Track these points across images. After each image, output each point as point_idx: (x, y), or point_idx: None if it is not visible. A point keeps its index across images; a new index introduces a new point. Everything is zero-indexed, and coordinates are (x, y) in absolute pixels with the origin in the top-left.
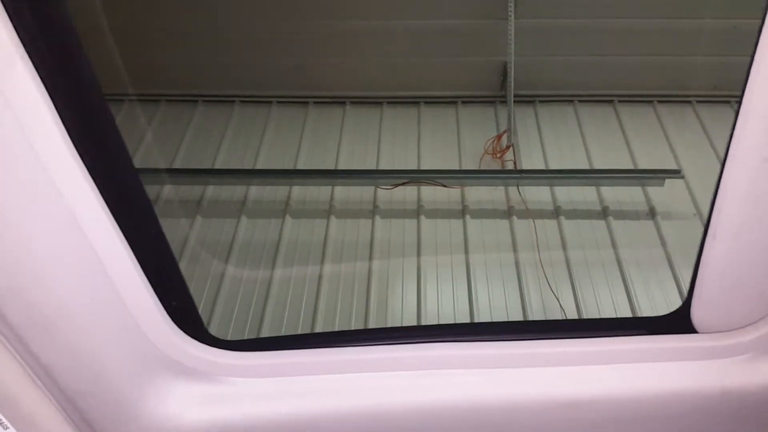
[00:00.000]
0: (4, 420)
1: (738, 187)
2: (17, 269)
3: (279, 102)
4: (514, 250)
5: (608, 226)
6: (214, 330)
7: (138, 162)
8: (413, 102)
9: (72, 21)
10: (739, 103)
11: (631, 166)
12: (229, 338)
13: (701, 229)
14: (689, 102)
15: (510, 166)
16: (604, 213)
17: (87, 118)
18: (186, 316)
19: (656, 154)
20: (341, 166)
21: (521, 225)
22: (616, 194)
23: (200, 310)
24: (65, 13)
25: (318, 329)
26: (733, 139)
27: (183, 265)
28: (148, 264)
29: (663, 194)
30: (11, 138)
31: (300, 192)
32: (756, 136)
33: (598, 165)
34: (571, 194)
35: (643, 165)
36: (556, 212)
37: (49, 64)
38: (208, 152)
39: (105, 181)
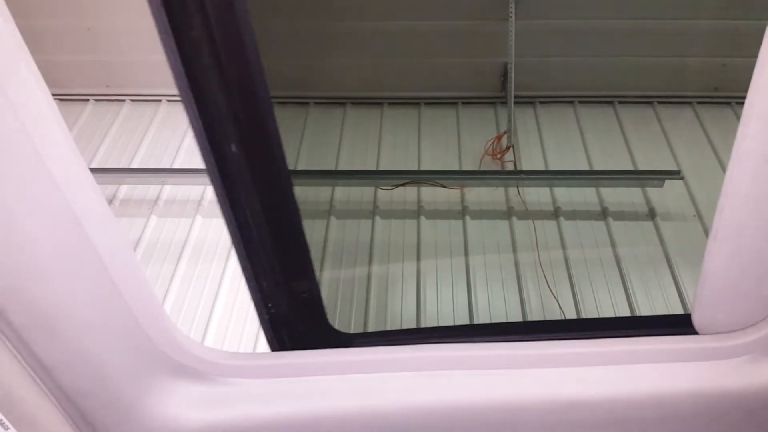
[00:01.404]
0: (4, 420)
1: (740, 189)
2: (19, 268)
3: (279, 102)
4: (514, 250)
5: (608, 227)
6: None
7: (138, 164)
8: (413, 103)
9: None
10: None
11: (630, 167)
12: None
13: (701, 231)
14: (689, 103)
15: (510, 166)
16: (603, 214)
17: (254, 122)
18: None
19: (656, 155)
20: (341, 167)
21: (521, 226)
22: (615, 195)
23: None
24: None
25: None
26: (736, 140)
27: (182, 266)
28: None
29: (663, 195)
30: (13, 137)
31: (300, 192)
32: (758, 138)
33: (598, 166)
34: (570, 195)
35: (642, 166)
36: (556, 213)
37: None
38: None
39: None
